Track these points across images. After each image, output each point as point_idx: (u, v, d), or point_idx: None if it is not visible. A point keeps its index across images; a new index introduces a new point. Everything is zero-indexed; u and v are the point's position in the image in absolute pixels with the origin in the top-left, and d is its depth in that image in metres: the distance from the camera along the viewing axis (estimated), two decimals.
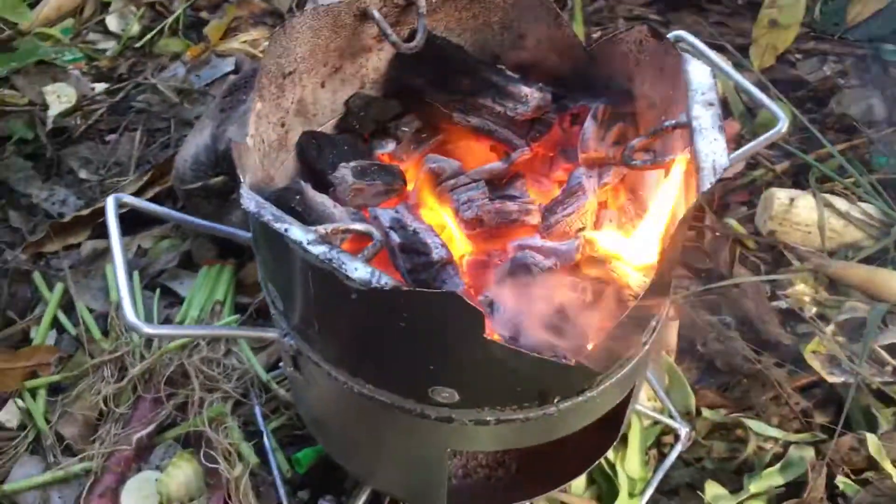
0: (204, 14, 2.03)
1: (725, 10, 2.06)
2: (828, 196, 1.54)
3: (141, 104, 1.81)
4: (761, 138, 1.07)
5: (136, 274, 1.44)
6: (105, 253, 1.52)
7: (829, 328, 1.38)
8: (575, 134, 1.11)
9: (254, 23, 1.99)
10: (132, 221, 1.57)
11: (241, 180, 0.85)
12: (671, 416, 1.29)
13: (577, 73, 1.12)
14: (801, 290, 1.43)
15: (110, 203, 0.97)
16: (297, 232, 0.79)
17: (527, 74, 1.14)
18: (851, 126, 1.76)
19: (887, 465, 1.21)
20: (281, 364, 1.33)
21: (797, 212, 1.51)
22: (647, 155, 0.97)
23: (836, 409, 1.31)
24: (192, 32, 2.00)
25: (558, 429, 0.95)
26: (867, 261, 1.48)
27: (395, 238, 0.98)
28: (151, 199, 1.58)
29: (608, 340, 0.85)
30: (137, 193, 1.58)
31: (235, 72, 1.87)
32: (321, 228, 0.85)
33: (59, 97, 1.79)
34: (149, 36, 1.96)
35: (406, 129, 1.15)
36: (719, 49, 1.91)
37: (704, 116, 0.90)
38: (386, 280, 0.76)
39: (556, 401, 0.89)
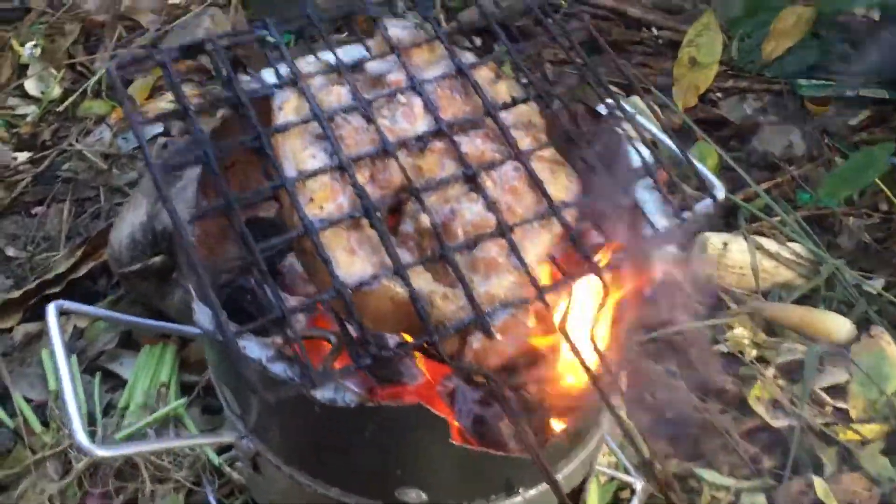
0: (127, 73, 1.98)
1: (647, 51, 2.12)
2: (758, 238, 1.59)
3: (67, 173, 1.76)
4: (699, 207, 1.09)
5: (73, 358, 1.40)
6: (39, 336, 1.47)
7: (770, 371, 1.42)
8: None
9: (181, 81, 1.95)
10: (63, 298, 1.52)
11: (192, 295, 0.83)
12: (626, 471, 1.31)
13: None
14: (740, 334, 1.47)
15: (51, 312, 0.94)
16: (255, 349, 0.78)
17: None
18: (774, 164, 1.82)
19: None
20: (233, 449, 1.31)
21: (731, 255, 1.55)
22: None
23: (782, 452, 1.35)
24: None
25: None
26: (800, 300, 1.53)
27: (351, 330, 0.97)
28: (86, 276, 1.54)
29: (568, 431, 0.86)
30: (70, 270, 1.52)
31: (164, 134, 1.83)
32: (278, 339, 0.83)
33: None
34: (71, 99, 1.90)
35: None
36: (645, 91, 1.97)
37: (649, 200, 0.92)
38: (350, 398, 0.75)
39: (521, 490, 0.90)
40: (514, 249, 0.78)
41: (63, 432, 1.30)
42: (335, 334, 0.86)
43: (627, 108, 1.18)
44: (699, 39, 2.04)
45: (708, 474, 1.30)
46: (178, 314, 1.39)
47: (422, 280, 0.76)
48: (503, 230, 0.78)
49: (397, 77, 0.87)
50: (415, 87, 0.85)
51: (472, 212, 0.79)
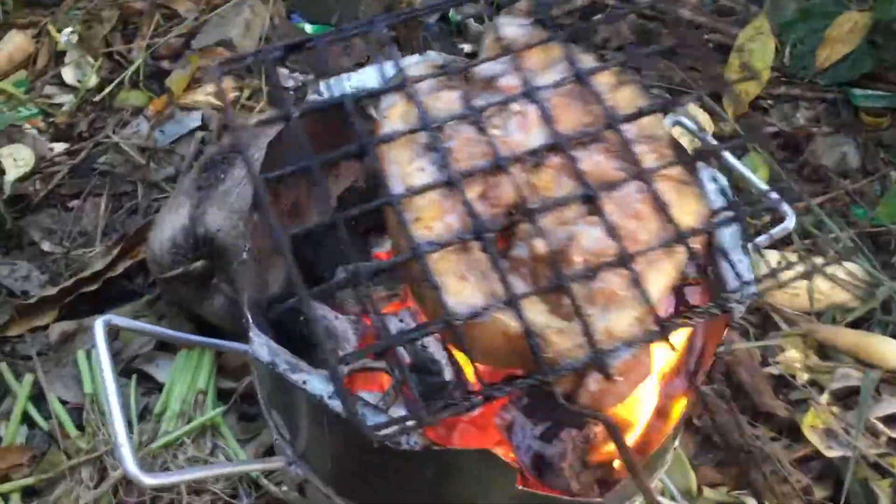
0: (165, 63, 1.95)
1: (699, 55, 2.06)
2: (814, 258, 1.54)
3: (104, 166, 1.73)
4: (773, 233, 1.06)
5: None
6: (75, 336, 1.44)
7: (824, 397, 1.38)
8: None
9: (222, 75, 1.91)
10: (99, 297, 1.50)
11: (249, 323, 0.80)
12: (672, 497, 1.27)
13: None
14: (793, 357, 1.43)
15: (99, 329, 0.91)
16: (316, 385, 0.75)
17: None
18: (827, 176, 1.77)
19: None
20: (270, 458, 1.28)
21: (784, 274, 1.50)
22: None
23: (834, 482, 1.31)
24: (154, 83, 1.91)
25: None
26: (855, 323, 1.48)
27: (405, 356, 0.94)
28: (123, 275, 1.51)
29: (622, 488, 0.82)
30: (108, 268, 1.50)
31: (203, 128, 1.80)
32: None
33: (15, 160, 1.70)
34: (108, 89, 1.87)
35: None
36: (695, 97, 1.91)
37: (724, 236, 0.88)
38: (415, 440, 0.72)
39: None
40: (636, 282, 0.69)
41: (99, 438, 1.28)
42: (396, 374, 0.82)
43: (689, 123, 1.15)
44: (751, 44, 1.97)
45: None
46: (218, 319, 1.36)
47: (535, 311, 0.69)
48: (625, 259, 0.70)
49: (511, 82, 0.78)
50: (530, 94, 0.76)
51: (591, 237, 0.71)
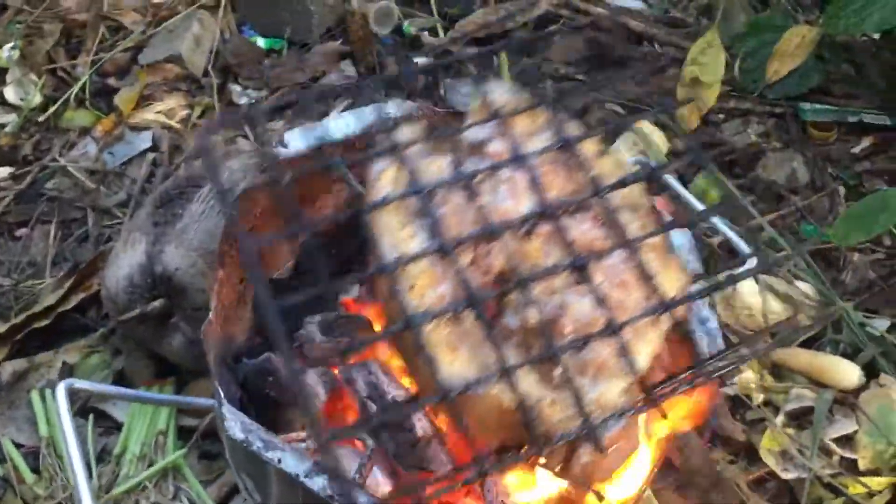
0: (112, 80, 1.89)
1: (650, 69, 2.08)
2: (767, 278, 1.57)
3: (51, 191, 1.68)
4: (740, 271, 1.07)
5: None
6: (27, 374, 1.40)
7: (779, 419, 1.41)
8: None
9: (168, 90, 1.87)
10: (51, 332, 1.46)
11: (219, 395, 0.78)
12: None
13: None
14: (748, 378, 1.46)
15: (61, 394, 0.89)
16: (290, 463, 0.74)
17: None
18: (778, 193, 1.80)
19: None
20: (233, 500, 1.27)
21: (740, 296, 1.54)
22: None
23: (790, 502, 1.34)
24: (101, 101, 1.86)
25: None
26: (807, 342, 1.52)
27: (375, 412, 0.93)
28: (76, 309, 1.47)
29: None
30: (60, 303, 1.46)
31: (154, 149, 1.76)
32: (311, 442, 0.79)
33: None
34: (53, 108, 1.81)
35: (369, 271, 1.09)
36: (647, 112, 1.93)
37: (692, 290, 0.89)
38: None
39: None
40: (625, 351, 0.70)
41: (57, 483, 1.25)
42: (369, 442, 0.82)
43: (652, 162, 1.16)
44: (702, 58, 2.00)
45: None
46: (178, 358, 1.33)
47: (527, 383, 0.69)
48: (614, 329, 0.70)
49: (499, 148, 0.78)
50: (518, 160, 0.77)
51: (581, 307, 0.71)
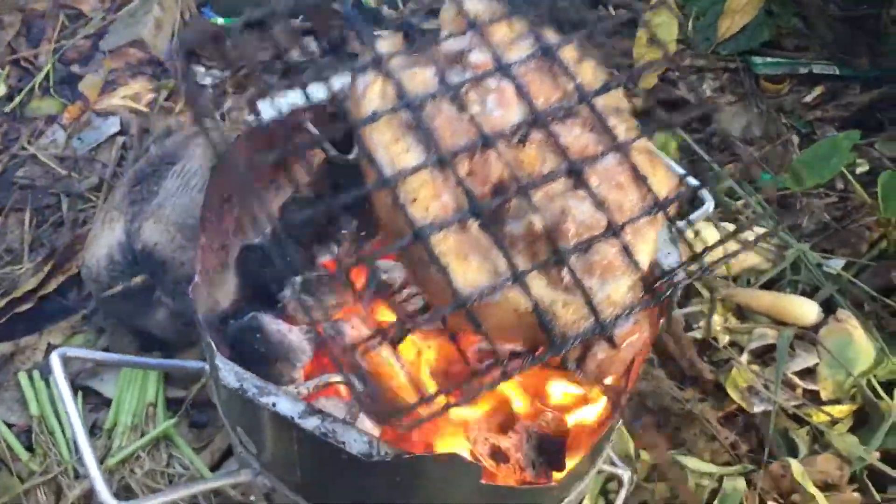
0: (75, 68, 1.90)
1: (607, 30, 2.12)
2: (725, 225, 1.63)
3: (23, 179, 1.69)
4: (693, 218, 1.12)
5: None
6: (14, 357, 1.43)
7: (744, 357, 1.48)
8: None
9: (132, 74, 1.89)
10: (33, 316, 1.48)
11: (213, 349, 0.82)
12: (612, 463, 1.35)
13: None
14: (714, 321, 1.53)
15: (56, 362, 0.92)
16: (285, 406, 0.78)
17: None
18: (734, 144, 1.87)
19: (810, 488, 1.32)
20: (225, 463, 1.31)
21: (701, 243, 1.59)
22: None
23: (758, 435, 1.41)
24: (66, 89, 1.87)
25: None
26: (768, 284, 1.59)
27: (359, 362, 0.97)
28: (56, 292, 1.50)
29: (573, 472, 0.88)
30: (40, 286, 1.48)
31: (122, 133, 1.77)
32: (303, 389, 0.84)
33: None
34: (18, 98, 1.82)
35: (345, 231, 1.13)
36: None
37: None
38: (386, 450, 0.76)
39: None
40: (628, 251, 0.72)
41: (51, 459, 1.28)
42: (357, 384, 0.86)
43: None
44: (656, 18, 2.05)
45: (691, 462, 1.36)
46: (162, 332, 1.36)
47: (538, 287, 0.71)
48: (615, 230, 0.71)
49: (481, 58, 0.77)
50: (502, 69, 0.75)
51: (582, 211, 0.72)
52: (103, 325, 1.46)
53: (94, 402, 1.39)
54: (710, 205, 1.11)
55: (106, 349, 1.43)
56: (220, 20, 2.06)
